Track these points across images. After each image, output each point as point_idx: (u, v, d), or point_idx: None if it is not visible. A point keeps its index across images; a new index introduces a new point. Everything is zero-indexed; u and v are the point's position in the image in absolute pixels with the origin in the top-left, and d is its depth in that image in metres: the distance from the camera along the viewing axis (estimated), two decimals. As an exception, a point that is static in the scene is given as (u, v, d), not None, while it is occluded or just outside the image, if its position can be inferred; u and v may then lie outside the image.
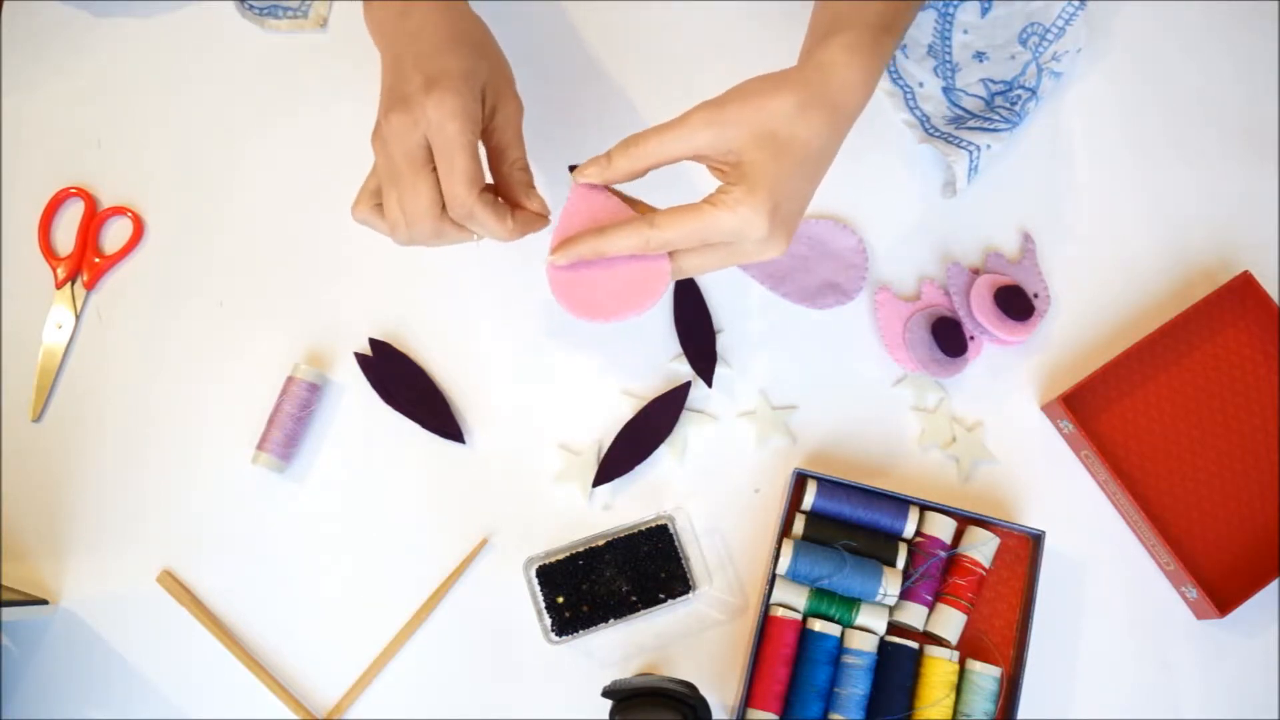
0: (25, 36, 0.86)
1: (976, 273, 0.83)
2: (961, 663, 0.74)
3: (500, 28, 0.72)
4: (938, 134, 0.83)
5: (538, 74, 0.85)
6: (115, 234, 0.83)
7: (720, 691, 0.76)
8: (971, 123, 0.83)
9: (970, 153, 0.81)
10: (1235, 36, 0.89)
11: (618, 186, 0.67)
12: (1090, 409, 0.81)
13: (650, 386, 0.81)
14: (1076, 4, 0.85)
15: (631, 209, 0.67)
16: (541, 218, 0.68)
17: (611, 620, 0.74)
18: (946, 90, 0.86)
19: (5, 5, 0.86)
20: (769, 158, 0.62)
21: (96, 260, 0.82)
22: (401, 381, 0.79)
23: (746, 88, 0.64)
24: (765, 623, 0.74)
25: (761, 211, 0.61)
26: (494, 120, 0.67)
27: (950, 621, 0.75)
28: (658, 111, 0.84)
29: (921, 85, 0.86)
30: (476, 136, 0.64)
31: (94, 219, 0.82)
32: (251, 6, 0.87)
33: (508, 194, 0.69)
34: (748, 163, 0.62)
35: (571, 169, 0.67)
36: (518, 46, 0.75)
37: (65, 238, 0.83)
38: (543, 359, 0.81)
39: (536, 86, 0.83)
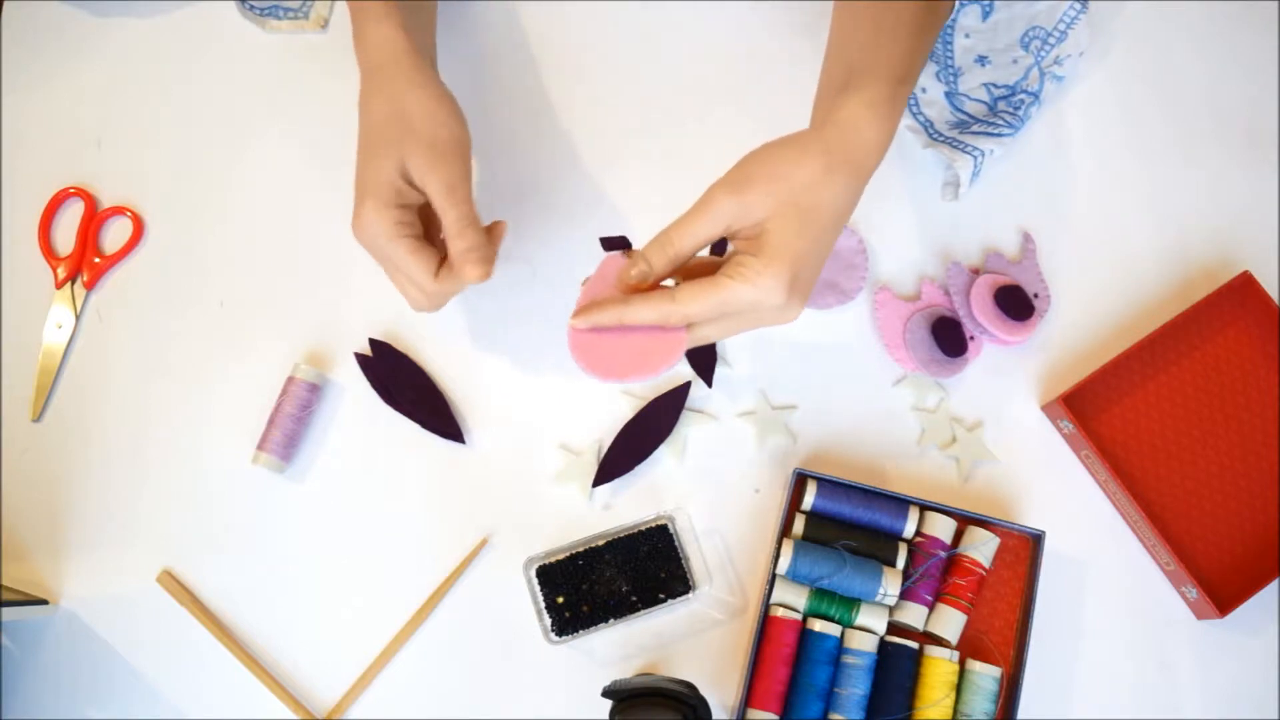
0: (25, 36, 0.86)
1: (976, 273, 0.83)
2: (961, 663, 0.74)
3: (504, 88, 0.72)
4: (941, 139, 0.83)
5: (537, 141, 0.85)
6: (115, 234, 0.83)
7: (720, 691, 0.76)
8: (975, 127, 0.83)
9: (975, 157, 0.81)
10: (1236, 37, 0.89)
11: None
12: (1090, 409, 0.81)
13: (650, 386, 0.81)
14: (1078, 7, 0.85)
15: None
16: (481, 260, 0.68)
17: (611, 620, 0.74)
18: (949, 95, 0.86)
19: (5, 5, 0.86)
20: (793, 228, 0.62)
21: (96, 260, 0.82)
22: (401, 381, 0.79)
23: (767, 157, 0.64)
24: (765, 623, 0.74)
25: (781, 281, 0.62)
26: (428, 193, 0.67)
27: (950, 621, 0.75)
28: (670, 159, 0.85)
29: (924, 91, 0.86)
30: (410, 230, 0.67)
31: (94, 219, 0.82)
32: (252, 7, 0.87)
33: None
34: (770, 233, 0.62)
35: (602, 241, 0.67)
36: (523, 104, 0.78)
37: (65, 238, 0.83)
38: (543, 359, 0.81)
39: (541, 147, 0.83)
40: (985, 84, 0.86)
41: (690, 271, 0.67)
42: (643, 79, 0.87)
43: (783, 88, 0.85)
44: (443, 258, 0.69)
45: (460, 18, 0.87)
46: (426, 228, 0.71)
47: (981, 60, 0.86)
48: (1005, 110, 0.84)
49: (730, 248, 0.66)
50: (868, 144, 0.64)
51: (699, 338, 0.66)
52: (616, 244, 0.67)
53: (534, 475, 0.79)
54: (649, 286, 0.66)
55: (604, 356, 0.66)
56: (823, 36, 0.75)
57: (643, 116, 0.86)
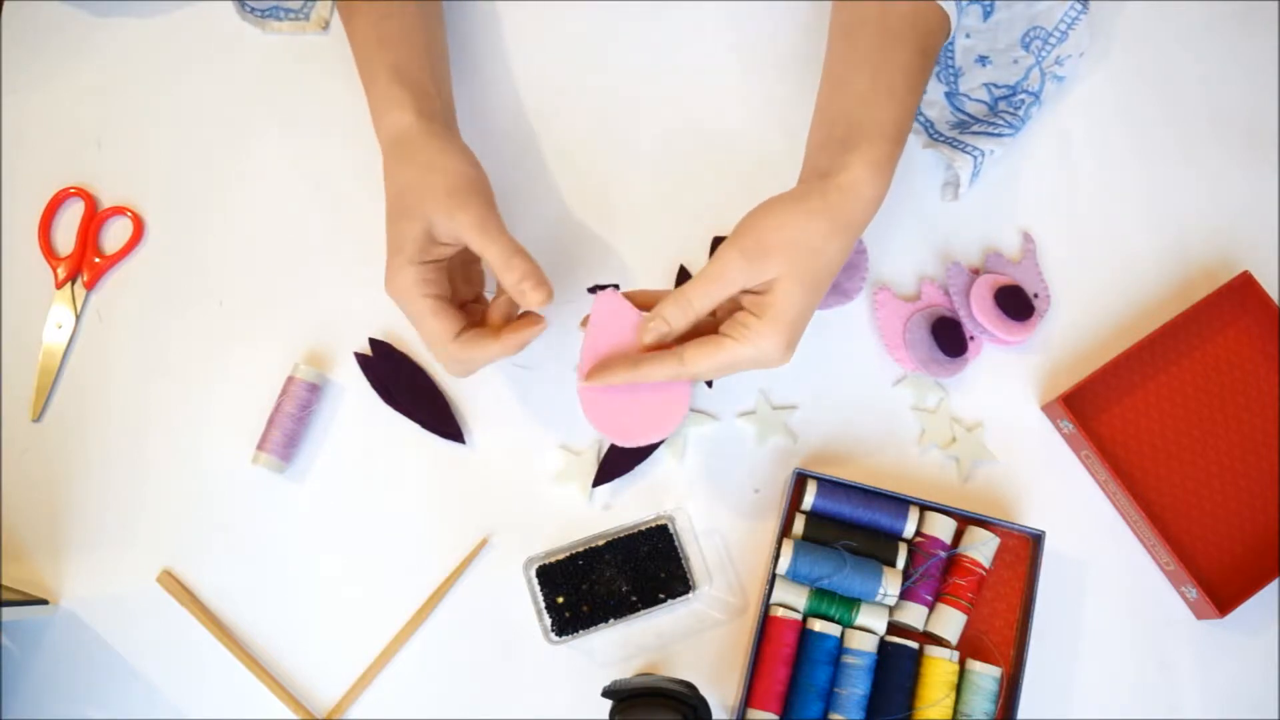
0: (25, 36, 0.86)
1: (976, 273, 0.83)
2: (961, 663, 0.74)
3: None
4: (942, 138, 0.83)
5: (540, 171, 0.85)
6: (115, 234, 0.83)
7: (720, 691, 0.76)
8: (976, 127, 0.83)
9: (975, 158, 0.81)
10: (1236, 37, 0.89)
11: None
12: (1090, 409, 0.81)
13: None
14: (1079, 7, 0.85)
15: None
16: (526, 328, 0.70)
17: (611, 620, 0.74)
18: (949, 95, 0.86)
19: (5, 5, 0.86)
20: (798, 290, 0.66)
21: (96, 260, 0.82)
22: (401, 381, 0.79)
23: (780, 224, 0.67)
24: (765, 623, 0.74)
25: (780, 340, 0.66)
26: (463, 239, 0.68)
27: (950, 621, 0.75)
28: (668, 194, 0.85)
29: (924, 91, 0.86)
30: (433, 290, 0.69)
31: (94, 219, 0.82)
32: (252, 9, 0.87)
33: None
34: (776, 293, 0.66)
35: (591, 290, 0.71)
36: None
37: (65, 238, 0.83)
38: (542, 359, 0.81)
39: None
40: (986, 84, 0.86)
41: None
42: (651, 101, 0.86)
43: (786, 109, 0.85)
44: (467, 324, 0.70)
45: (461, 30, 0.87)
46: (458, 290, 0.73)
47: (982, 60, 0.86)
48: (1006, 110, 0.84)
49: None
50: (866, 204, 0.68)
51: (698, 378, 0.69)
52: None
53: (534, 475, 0.79)
54: (666, 344, 0.69)
55: (616, 418, 0.70)
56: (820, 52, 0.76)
57: (648, 136, 0.86)
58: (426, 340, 0.70)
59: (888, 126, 0.69)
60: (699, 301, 0.67)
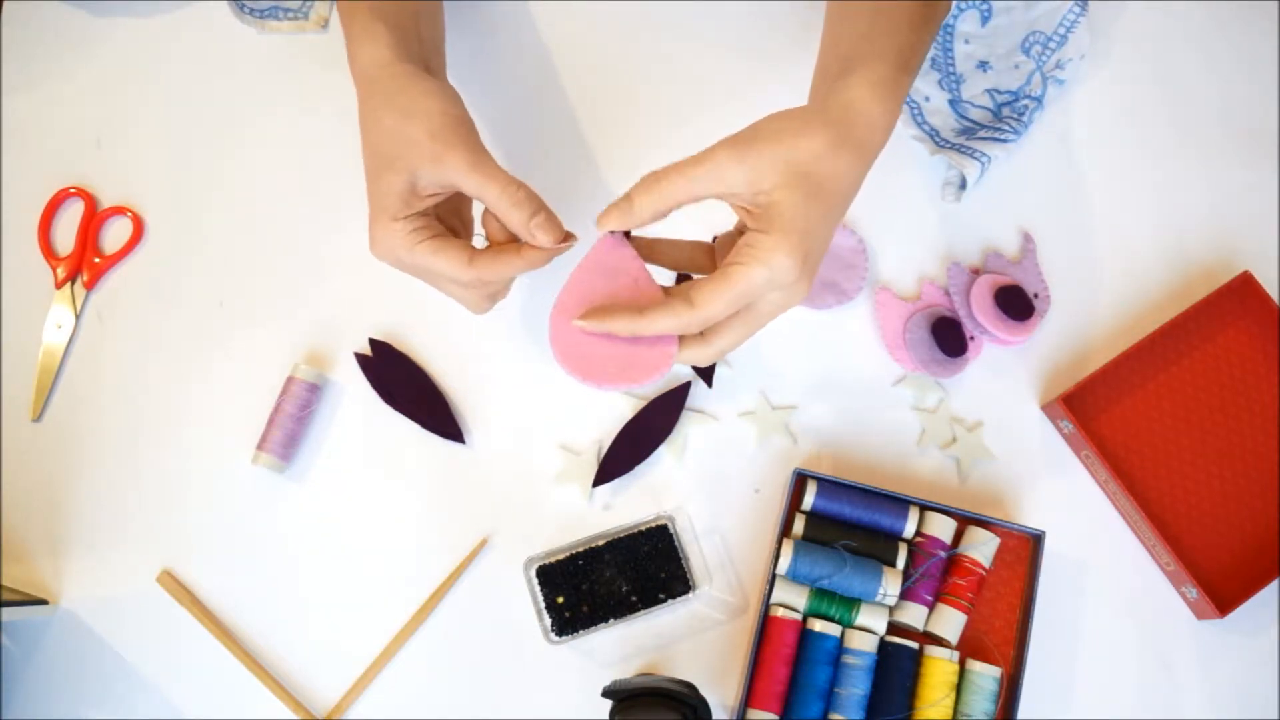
0: (25, 36, 0.86)
1: (976, 273, 0.83)
2: (961, 663, 0.74)
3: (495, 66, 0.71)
4: (948, 145, 0.83)
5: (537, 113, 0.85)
6: (115, 234, 0.83)
7: (720, 691, 0.76)
8: (981, 133, 0.83)
9: (982, 163, 0.81)
10: (1236, 37, 0.89)
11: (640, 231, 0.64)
12: (1090, 409, 0.81)
13: (650, 387, 0.81)
14: (1078, 10, 0.85)
15: (655, 278, 0.64)
16: (547, 224, 0.64)
17: (611, 620, 0.74)
18: (953, 103, 0.86)
19: (5, 5, 0.86)
20: (801, 199, 0.59)
21: (96, 260, 0.82)
22: (401, 381, 0.80)
23: (773, 125, 0.61)
24: (765, 623, 0.74)
25: (795, 258, 0.59)
26: (455, 183, 0.64)
27: (950, 621, 0.75)
28: (660, 141, 0.84)
29: (928, 100, 0.85)
30: (426, 234, 0.64)
31: (94, 219, 0.82)
32: (250, 10, 0.87)
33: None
34: (779, 204, 0.59)
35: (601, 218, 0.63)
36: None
37: (65, 238, 0.83)
38: (543, 359, 0.81)
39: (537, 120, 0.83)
40: (988, 90, 0.86)
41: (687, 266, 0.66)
42: (652, 76, 0.86)
43: (793, 81, 0.85)
44: (477, 247, 0.65)
45: (464, 18, 0.87)
46: (455, 229, 0.69)
47: (983, 66, 0.86)
48: (1010, 116, 0.84)
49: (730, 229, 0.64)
50: (872, 121, 0.62)
51: (718, 350, 0.63)
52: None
53: (534, 475, 0.79)
54: (632, 250, 0.63)
55: (591, 354, 0.62)
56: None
57: (653, 114, 0.86)
58: (439, 285, 0.66)
59: (889, 53, 0.64)
60: (675, 184, 0.59)
